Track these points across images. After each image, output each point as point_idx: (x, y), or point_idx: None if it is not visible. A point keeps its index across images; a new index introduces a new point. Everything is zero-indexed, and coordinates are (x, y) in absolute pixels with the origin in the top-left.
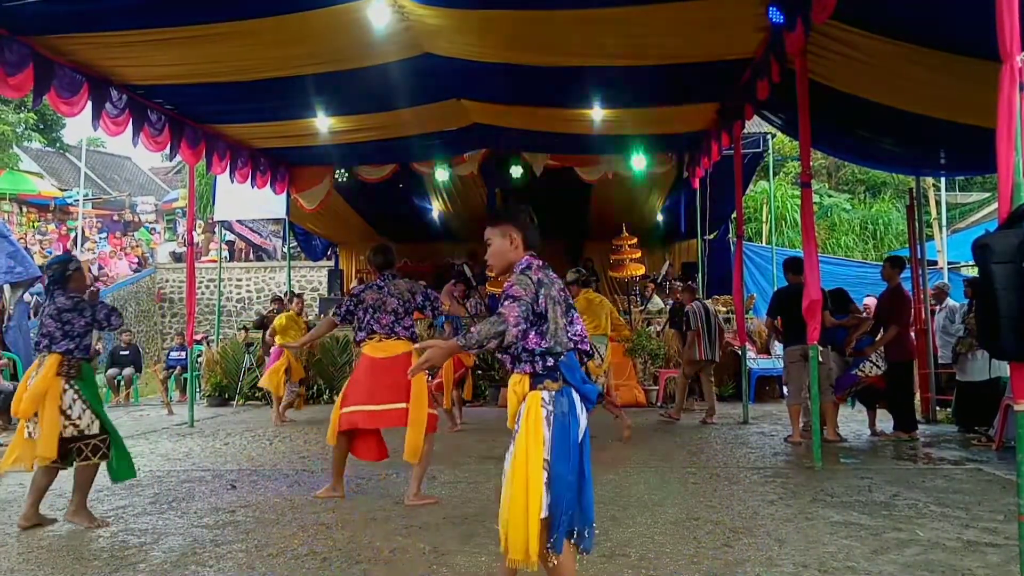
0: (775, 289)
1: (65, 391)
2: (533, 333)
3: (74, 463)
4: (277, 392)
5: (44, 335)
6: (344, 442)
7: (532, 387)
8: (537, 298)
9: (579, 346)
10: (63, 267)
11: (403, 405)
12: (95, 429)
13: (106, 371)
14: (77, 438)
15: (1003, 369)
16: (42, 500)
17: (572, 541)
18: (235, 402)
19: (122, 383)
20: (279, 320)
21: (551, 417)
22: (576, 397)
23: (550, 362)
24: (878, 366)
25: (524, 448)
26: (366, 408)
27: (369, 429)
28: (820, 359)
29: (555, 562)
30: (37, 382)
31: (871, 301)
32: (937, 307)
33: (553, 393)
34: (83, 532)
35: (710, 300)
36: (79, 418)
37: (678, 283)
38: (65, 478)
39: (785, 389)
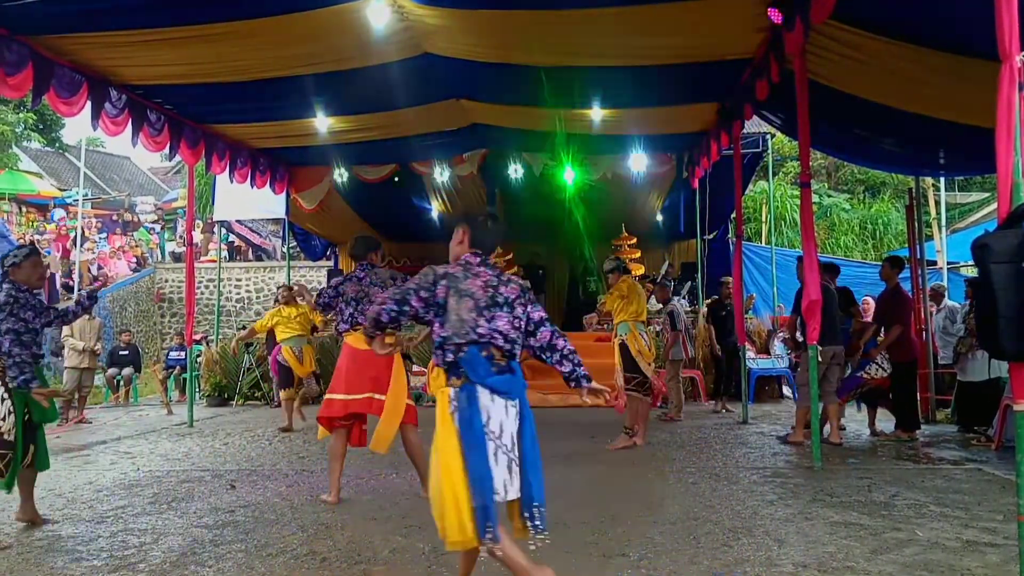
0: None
1: None
2: (437, 323)
3: None
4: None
5: None
6: (341, 436)
7: (446, 382)
8: (434, 288)
9: (491, 341)
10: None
11: (382, 397)
12: (11, 437)
13: (105, 371)
14: None
15: (1003, 369)
16: None
17: (522, 525)
18: (234, 402)
19: (121, 383)
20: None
21: (455, 414)
22: (481, 391)
23: (450, 356)
24: (883, 368)
25: (437, 441)
26: (351, 397)
27: (357, 416)
28: (832, 360)
29: (500, 552)
30: None
31: (870, 301)
32: (935, 308)
33: (456, 390)
34: (82, 532)
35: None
36: (3, 419)
37: (649, 282)
38: (64, 478)
39: (787, 390)
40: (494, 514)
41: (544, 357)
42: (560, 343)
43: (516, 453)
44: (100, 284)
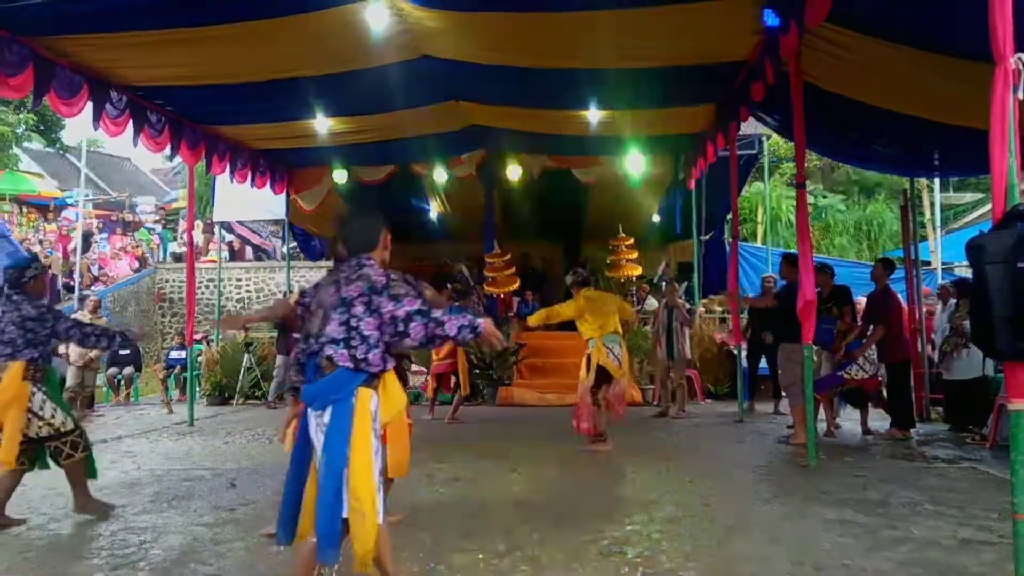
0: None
1: (33, 394)
2: None
3: (60, 464)
4: None
5: (5, 342)
6: None
7: None
8: (309, 307)
9: (320, 351)
10: (20, 272)
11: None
12: (70, 425)
13: (106, 370)
14: (54, 436)
15: (988, 368)
16: (7, 501)
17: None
18: (235, 401)
19: (122, 382)
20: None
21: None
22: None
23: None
24: (864, 369)
25: None
26: None
27: None
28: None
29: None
30: (4, 389)
31: (862, 301)
32: (939, 307)
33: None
34: (83, 531)
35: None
36: (52, 417)
37: (646, 283)
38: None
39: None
40: (289, 526)
41: (430, 348)
42: (440, 332)
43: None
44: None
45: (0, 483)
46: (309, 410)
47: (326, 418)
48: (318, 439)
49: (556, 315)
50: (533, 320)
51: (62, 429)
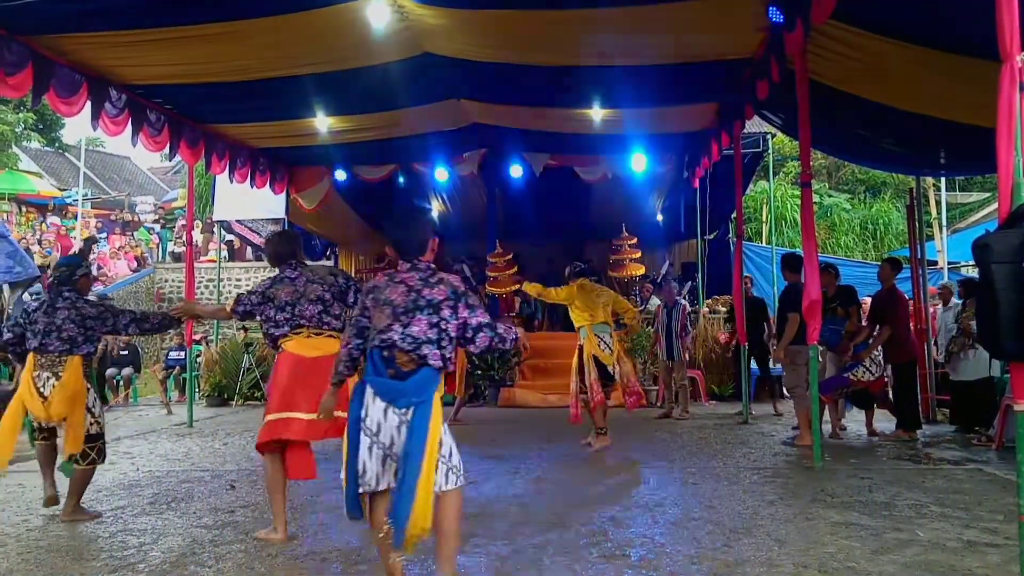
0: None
1: (88, 390)
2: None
3: (76, 464)
4: None
5: (64, 339)
6: (277, 463)
7: None
8: (367, 305)
9: (396, 345)
10: (71, 270)
11: (342, 414)
12: (103, 428)
13: (105, 371)
14: (98, 436)
15: (995, 368)
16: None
17: (381, 536)
18: (234, 402)
19: (121, 383)
20: None
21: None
22: (368, 390)
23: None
24: (871, 371)
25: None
26: (299, 416)
27: (299, 441)
28: (797, 360)
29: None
30: (70, 384)
31: (867, 301)
32: (943, 307)
33: (355, 383)
34: (82, 532)
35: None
36: (100, 415)
37: (649, 282)
38: (64, 478)
39: (786, 391)
40: (356, 503)
41: (471, 349)
42: (499, 345)
43: (395, 453)
44: (100, 285)
45: (72, 477)
46: (378, 401)
47: (409, 416)
48: (398, 434)
49: (549, 295)
50: (529, 287)
51: (103, 431)
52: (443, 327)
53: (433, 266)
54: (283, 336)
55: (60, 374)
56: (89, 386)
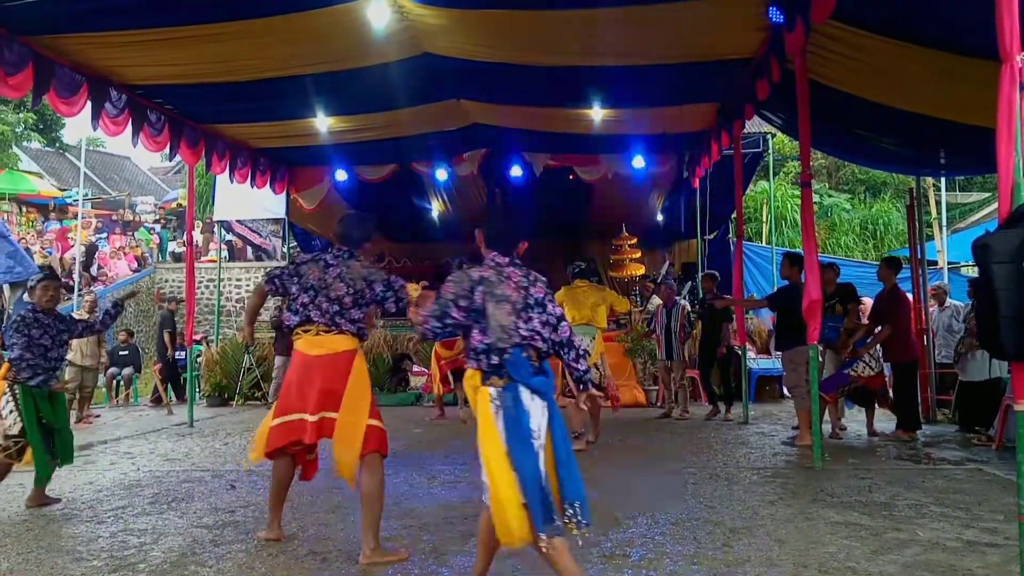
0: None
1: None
2: (478, 329)
3: None
4: None
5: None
6: (284, 465)
7: (482, 382)
8: (472, 294)
9: (531, 343)
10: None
11: (334, 415)
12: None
13: (105, 371)
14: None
15: (1004, 369)
16: None
17: (565, 522)
18: (234, 402)
19: (121, 383)
20: None
21: (499, 412)
22: (523, 391)
23: (495, 360)
24: (871, 367)
25: (481, 441)
26: (305, 417)
27: (307, 444)
28: (796, 360)
29: (546, 546)
30: None
31: (868, 301)
32: (938, 307)
33: (499, 389)
34: (82, 532)
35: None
36: (14, 427)
37: (649, 282)
38: (64, 478)
39: (787, 390)
40: (553, 507)
41: (562, 353)
42: (577, 341)
43: (547, 451)
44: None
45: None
46: (537, 400)
47: (549, 406)
48: (545, 423)
49: None
50: None
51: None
52: (551, 323)
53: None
54: (293, 328)
55: None
56: (7, 390)
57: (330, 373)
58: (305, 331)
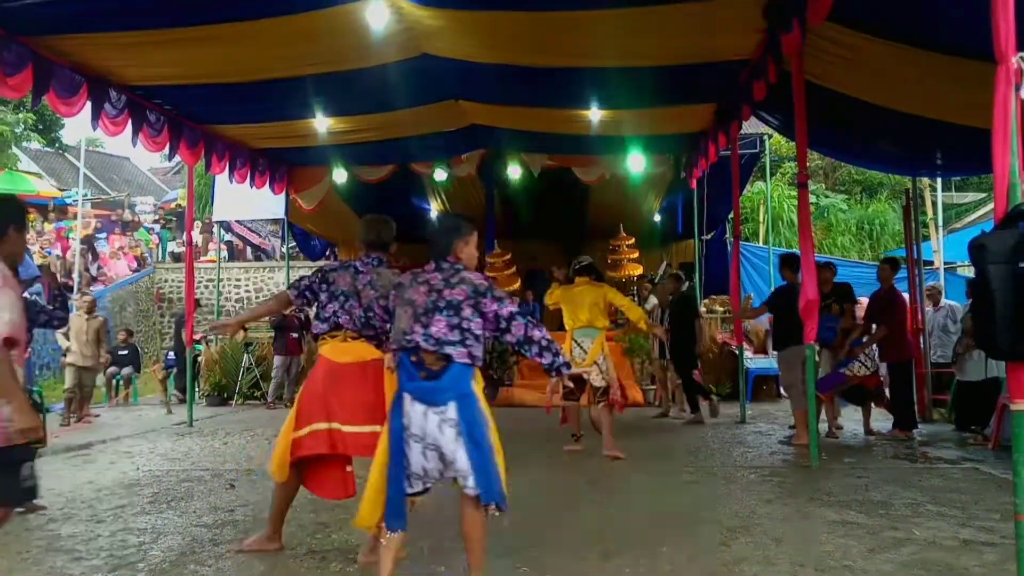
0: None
1: None
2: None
3: None
4: None
5: None
6: (294, 476)
7: None
8: (389, 299)
9: (420, 347)
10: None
11: (376, 428)
12: None
13: (105, 371)
14: None
15: (1001, 369)
16: None
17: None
18: (234, 402)
19: (121, 383)
20: None
21: (391, 410)
22: (405, 396)
23: (394, 362)
24: (866, 366)
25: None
26: (328, 427)
27: (331, 456)
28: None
29: (384, 540)
30: None
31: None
32: (933, 308)
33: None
34: (82, 532)
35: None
36: None
37: (648, 282)
38: (64, 477)
39: (784, 390)
40: (402, 509)
41: (524, 351)
42: (536, 334)
43: (452, 450)
44: (100, 285)
45: None
46: (418, 405)
47: (451, 412)
48: (441, 435)
49: (547, 301)
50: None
51: None
52: (465, 327)
53: (460, 266)
54: (320, 334)
55: None
56: None
57: (358, 382)
58: (332, 336)
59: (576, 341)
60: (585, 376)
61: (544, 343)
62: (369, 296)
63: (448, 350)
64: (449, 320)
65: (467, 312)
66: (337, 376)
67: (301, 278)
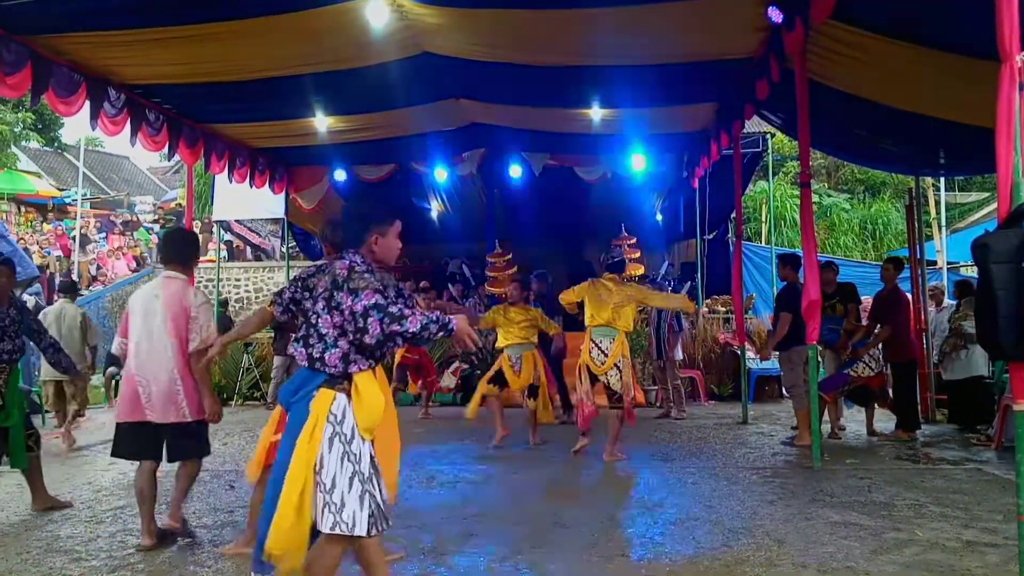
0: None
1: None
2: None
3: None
4: None
5: None
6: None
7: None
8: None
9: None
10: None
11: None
12: None
13: (104, 371)
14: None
15: (984, 368)
16: None
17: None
18: (233, 402)
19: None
20: None
21: None
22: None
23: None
24: (871, 367)
25: None
26: None
27: None
28: (794, 360)
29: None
30: None
31: (867, 300)
32: (936, 308)
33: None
34: (81, 533)
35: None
36: None
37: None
38: (63, 478)
39: (786, 390)
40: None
41: (400, 346)
42: (396, 328)
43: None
44: (99, 285)
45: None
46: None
47: (296, 417)
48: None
49: (565, 298)
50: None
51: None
52: (313, 322)
53: (345, 258)
54: None
55: None
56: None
57: None
58: None
59: (594, 341)
60: (602, 380)
61: (411, 327)
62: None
63: (290, 349)
64: (307, 316)
65: (319, 306)
66: None
67: (282, 291)
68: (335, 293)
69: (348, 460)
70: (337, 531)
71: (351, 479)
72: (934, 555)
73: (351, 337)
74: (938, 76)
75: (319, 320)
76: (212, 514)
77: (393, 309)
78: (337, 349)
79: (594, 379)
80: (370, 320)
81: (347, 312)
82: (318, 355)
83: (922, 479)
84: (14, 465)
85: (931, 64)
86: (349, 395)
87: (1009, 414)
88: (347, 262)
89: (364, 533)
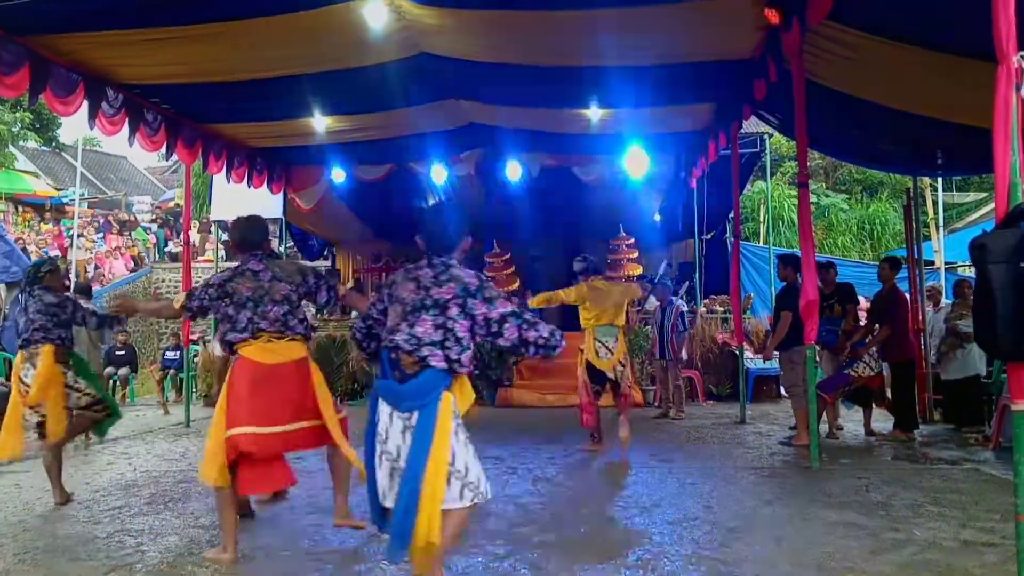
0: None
1: (66, 372)
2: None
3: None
4: None
5: (37, 328)
6: (229, 480)
7: None
8: (382, 297)
9: (400, 347)
10: (36, 270)
11: (316, 423)
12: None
13: (103, 371)
14: (96, 401)
15: (981, 367)
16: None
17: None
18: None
19: (118, 383)
20: None
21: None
22: (379, 395)
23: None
24: (870, 367)
25: None
26: (267, 430)
27: (265, 456)
28: (793, 359)
29: None
30: (42, 371)
31: (865, 302)
32: (933, 308)
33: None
34: (79, 533)
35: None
36: (87, 388)
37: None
38: (64, 478)
39: (784, 390)
40: (377, 509)
41: (523, 352)
42: (531, 335)
43: (400, 465)
44: (97, 285)
45: (48, 463)
46: (384, 405)
47: (413, 420)
48: (403, 441)
49: (557, 299)
50: (534, 302)
51: (98, 397)
52: (449, 327)
53: (451, 263)
54: (242, 341)
55: (36, 363)
56: (66, 369)
57: (295, 382)
58: (256, 338)
59: (599, 340)
60: (610, 376)
61: (540, 342)
62: (283, 289)
63: (425, 352)
64: (435, 320)
65: (453, 312)
66: (263, 378)
67: (196, 295)
68: (468, 300)
69: (468, 442)
70: (476, 502)
71: (474, 456)
72: (932, 555)
73: (480, 340)
74: (936, 76)
75: (456, 325)
76: (210, 514)
77: (527, 316)
78: (470, 351)
79: (601, 379)
80: (506, 326)
81: (481, 319)
82: (455, 357)
83: (920, 479)
84: (96, 432)
85: (928, 64)
86: (451, 388)
87: (1007, 414)
88: (468, 271)
89: (490, 495)
